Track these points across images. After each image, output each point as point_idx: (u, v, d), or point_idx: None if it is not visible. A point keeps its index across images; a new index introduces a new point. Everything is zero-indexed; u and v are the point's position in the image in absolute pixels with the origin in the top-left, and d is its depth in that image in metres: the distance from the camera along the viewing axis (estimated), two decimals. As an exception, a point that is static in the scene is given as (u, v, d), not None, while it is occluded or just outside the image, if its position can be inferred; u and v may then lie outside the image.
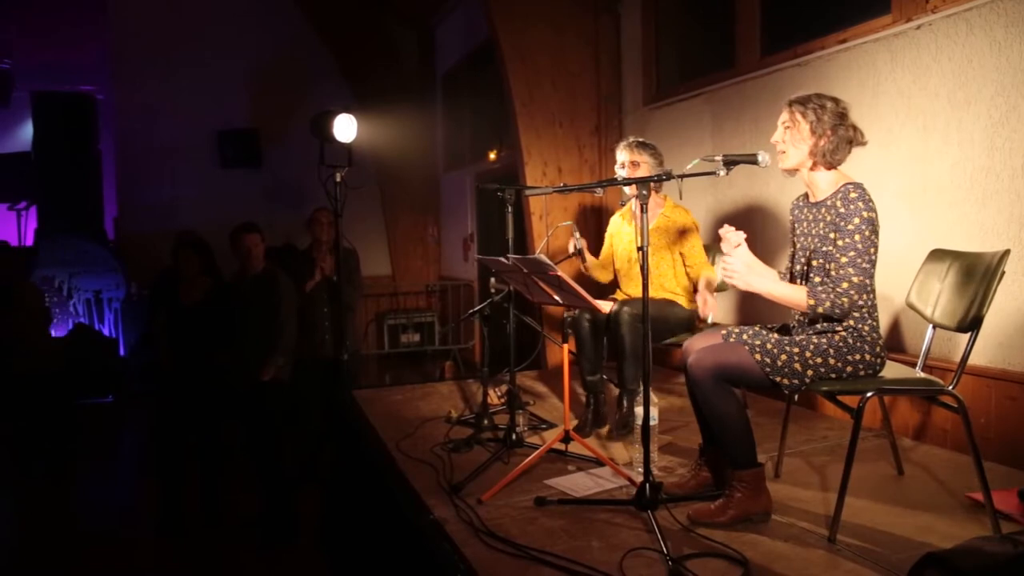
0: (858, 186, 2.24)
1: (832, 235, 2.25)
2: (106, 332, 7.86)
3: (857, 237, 2.19)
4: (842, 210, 2.22)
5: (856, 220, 2.19)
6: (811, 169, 2.34)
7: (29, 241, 8.60)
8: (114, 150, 7.79)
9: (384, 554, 2.87)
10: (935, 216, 3.05)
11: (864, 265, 2.18)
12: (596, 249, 3.70)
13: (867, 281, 2.20)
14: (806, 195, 2.44)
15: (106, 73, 7.84)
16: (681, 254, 3.36)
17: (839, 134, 2.26)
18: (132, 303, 7.51)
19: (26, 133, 9.01)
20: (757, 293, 2.27)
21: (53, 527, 4.31)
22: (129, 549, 3.85)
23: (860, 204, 2.20)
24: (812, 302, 2.20)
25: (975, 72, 2.87)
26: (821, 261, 2.30)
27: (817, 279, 2.30)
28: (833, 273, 2.22)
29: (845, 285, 2.18)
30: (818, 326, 2.31)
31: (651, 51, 4.87)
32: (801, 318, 2.39)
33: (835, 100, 2.29)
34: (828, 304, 2.18)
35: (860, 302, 2.19)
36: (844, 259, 2.20)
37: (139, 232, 7.41)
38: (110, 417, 6.65)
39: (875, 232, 2.22)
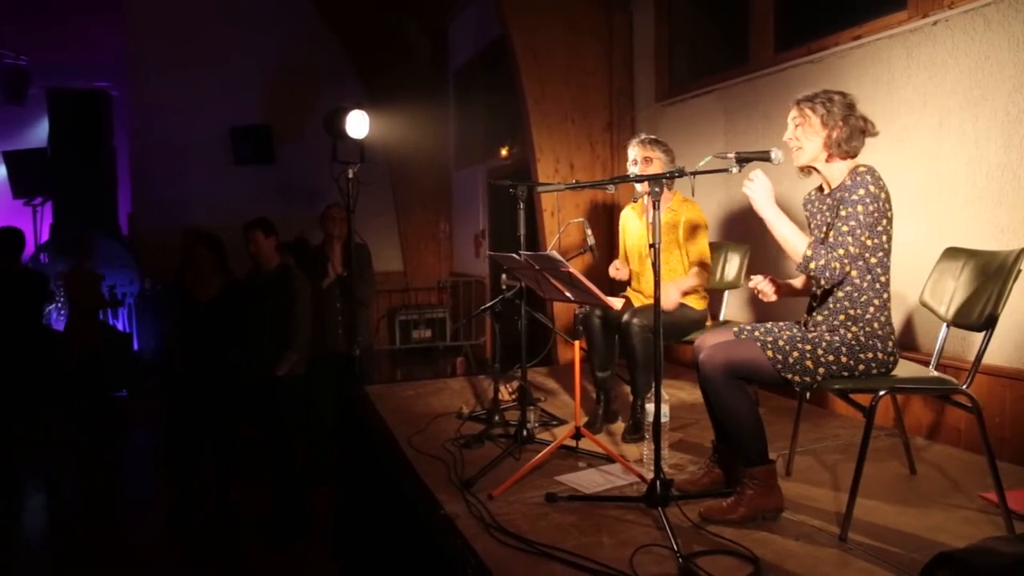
0: (870, 169, 2.22)
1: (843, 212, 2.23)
2: (120, 327, 7.92)
3: (860, 208, 2.17)
4: (848, 183, 2.22)
5: (860, 191, 2.18)
6: (827, 161, 2.32)
7: (44, 236, 8.67)
8: (128, 146, 7.85)
9: (395, 549, 2.89)
10: (950, 214, 3.03)
11: (862, 239, 2.18)
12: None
13: (864, 255, 2.21)
14: (820, 188, 2.43)
15: (121, 70, 7.89)
16: (686, 251, 3.33)
17: (851, 124, 2.26)
18: (146, 298, 7.58)
19: (42, 130, 9.10)
20: (763, 219, 2.27)
21: (63, 521, 4.35)
22: (141, 544, 3.88)
23: (868, 178, 2.19)
24: (809, 253, 2.19)
25: (992, 68, 2.84)
26: None
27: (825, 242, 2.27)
28: (831, 239, 2.22)
29: (840, 252, 2.17)
30: (831, 322, 2.30)
31: (664, 47, 4.85)
32: (810, 314, 2.38)
33: (842, 93, 2.29)
34: (822, 263, 2.17)
35: (851, 273, 2.20)
36: (845, 228, 2.19)
37: (153, 228, 7.48)
38: (124, 411, 6.71)
39: (883, 215, 2.21)
